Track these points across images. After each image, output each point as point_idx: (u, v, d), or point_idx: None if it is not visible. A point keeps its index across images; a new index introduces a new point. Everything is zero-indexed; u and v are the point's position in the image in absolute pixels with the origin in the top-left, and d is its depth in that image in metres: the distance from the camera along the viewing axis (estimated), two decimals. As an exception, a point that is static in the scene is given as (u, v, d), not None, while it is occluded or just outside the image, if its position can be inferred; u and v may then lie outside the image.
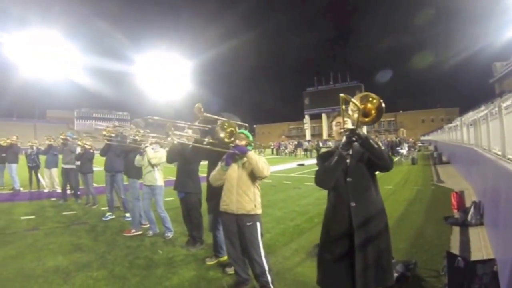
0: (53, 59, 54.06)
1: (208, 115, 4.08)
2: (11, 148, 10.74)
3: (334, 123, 2.66)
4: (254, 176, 3.30)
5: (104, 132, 6.26)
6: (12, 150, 10.72)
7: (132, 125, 5.94)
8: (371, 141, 2.23)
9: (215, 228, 4.25)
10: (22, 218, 6.88)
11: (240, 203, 3.29)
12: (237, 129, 3.23)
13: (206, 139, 3.87)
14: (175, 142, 4.56)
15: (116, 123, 6.29)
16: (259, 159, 3.22)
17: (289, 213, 7.09)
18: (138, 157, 5.43)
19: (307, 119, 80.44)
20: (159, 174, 5.38)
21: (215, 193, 3.87)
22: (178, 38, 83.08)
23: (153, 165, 5.30)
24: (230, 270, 3.83)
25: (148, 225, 5.74)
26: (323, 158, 2.57)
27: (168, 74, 59.50)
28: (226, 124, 3.17)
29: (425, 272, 3.73)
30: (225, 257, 4.15)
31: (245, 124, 4.21)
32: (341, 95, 2.17)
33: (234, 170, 3.38)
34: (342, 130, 2.28)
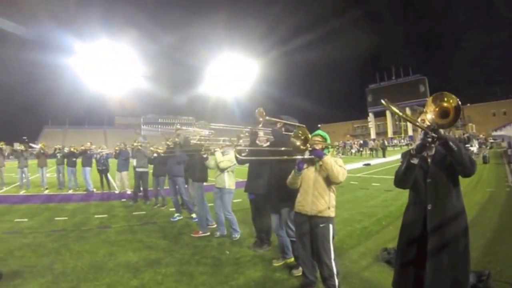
0: (120, 69, 58.21)
1: (269, 118, 4.07)
2: (85, 153, 11.61)
3: (419, 120, 2.49)
4: (330, 180, 3.23)
5: (168, 142, 6.44)
6: (86, 155, 11.60)
7: (196, 128, 6.05)
8: (451, 143, 2.09)
9: (279, 228, 4.18)
10: (96, 216, 7.37)
11: (315, 204, 3.26)
12: (309, 135, 3.21)
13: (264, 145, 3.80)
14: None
15: (178, 126, 6.44)
16: (335, 164, 3.16)
17: (356, 215, 6.78)
18: (209, 160, 5.54)
19: (371, 117, 76.35)
20: (229, 177, 5.38)
21: (277, 193, 3.91)
22: (243, 40, 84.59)
23: (221, 169, 5.34)
24: (297, 272, 3.79)
25: (215, 226, 5.82)
26: (404, 157, 2.47)
27: (233, 75, 61.12)
28: (300, 132, 3.19)
29: (500, 284, 3.36)
30: (292, 259, 4.10)
31: (302, 125, 4.14)
32: (383, 101, 2.15)
33: (312, 172, 3.36)
34: (421, 131, 2.18)
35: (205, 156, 5.44)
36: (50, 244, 5.20)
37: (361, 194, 9.53)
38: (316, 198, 3.25)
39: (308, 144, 3.14)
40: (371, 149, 33.10)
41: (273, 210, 4.22)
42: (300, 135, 3.17)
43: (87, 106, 71.89)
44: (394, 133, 67.42)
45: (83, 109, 76.14)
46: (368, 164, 20.02)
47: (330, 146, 3.50)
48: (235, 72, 61.79)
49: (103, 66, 56.98)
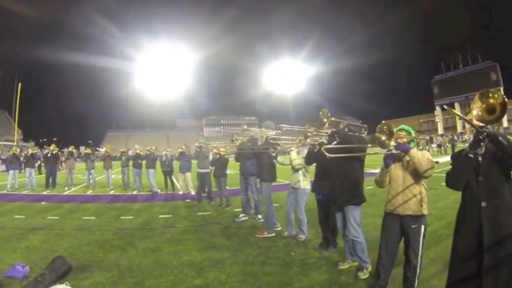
0: (180, 71, 60.43)
1: (334, 119, 4.03)
2: (150, 155, 12.24)
3: (467, 118, 2.46)
4: (419, 174, 3.12)
5: (233, 139, 6.56)
6: (150, 157, 12.22)
7: (263, 128, 6.08)
8: (501, 138, 2.13)
9: (343, 228, 4.08)
10: (160, 216, 7.68)
11: (407, 203, 3.16)
12: (394, 129, 3.11)
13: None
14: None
15: (245, 127, 6.50)
16: (422, 157, 3.05)
17: (426, 217, 6.34)
18: (280, 157, 5.57)
19: (438, 110, 68.72)
20: (304, 177, 5.34)
21: (342, 192, 3.90)
22: (301, 41, 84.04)
23: (295, 168, 5.31)
24: (362, 275, 3.73)
25: (280, 228, 5.82)
26: (455, 158, 2.57)
27: (291, 76, 61.22)
28: (384, 126, 3.09)
29: None
30: (357, 262, 3.99)
31: (364, 125, 4.18)
32: (445, 106, 2.72)
33: (399, 169, 3.26)
34: (473, 129, 2.23)
35: (274, 154, 5.45)
36: (116, 241, 5.51)
37: (429, 195, 8.64)
38: (408, 197, 3.15)
39: (393, 139, 3.03)
40: (438, 146, 30.87)
41: (337, 210, 4.15)
42: (384, 129, 3.05)
43: (149, 110, 74.98)
44: (464, 127, 60.91)
45: (145, 113, 79.83)
46: (437, 162, 18.63)
47: (415, 140, 3.37)
48: (293, 73, 61.81)
49: (164, 70, 59.44)
